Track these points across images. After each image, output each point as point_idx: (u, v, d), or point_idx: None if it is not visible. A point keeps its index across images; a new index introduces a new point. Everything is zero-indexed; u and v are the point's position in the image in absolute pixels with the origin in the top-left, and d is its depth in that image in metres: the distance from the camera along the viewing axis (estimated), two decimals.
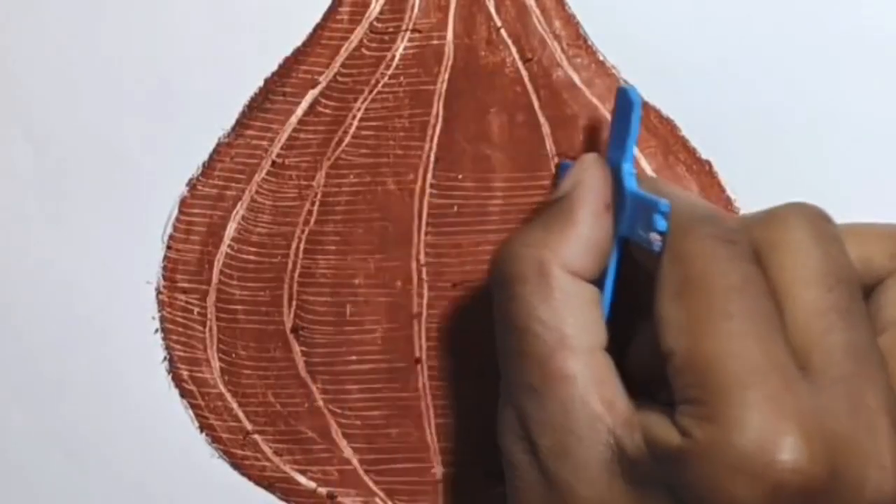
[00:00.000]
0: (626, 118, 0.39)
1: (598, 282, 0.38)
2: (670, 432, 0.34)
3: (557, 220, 0.38)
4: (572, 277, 0.37)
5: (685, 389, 0.34)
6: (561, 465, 0.36)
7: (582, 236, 0.38)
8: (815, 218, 0.37)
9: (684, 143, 0.44)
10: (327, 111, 0.45)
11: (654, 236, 0.36)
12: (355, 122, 0.45)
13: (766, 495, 0.33)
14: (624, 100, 0.39)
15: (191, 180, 0.45)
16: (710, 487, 0.33)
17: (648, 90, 0.44)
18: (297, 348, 0.45)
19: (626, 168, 0.39)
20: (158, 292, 0.45)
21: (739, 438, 0.33)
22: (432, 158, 0.44)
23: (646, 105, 0.44)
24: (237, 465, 0.46)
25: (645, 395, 0.36)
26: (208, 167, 0.45)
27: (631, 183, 0.38)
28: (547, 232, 0.38)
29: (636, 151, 0.43)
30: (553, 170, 0.44)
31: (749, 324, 0.34)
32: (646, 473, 0.35)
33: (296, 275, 0.45)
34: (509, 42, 0.44)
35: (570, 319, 0.37)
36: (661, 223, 0.36)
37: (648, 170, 0.44)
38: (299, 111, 0.45)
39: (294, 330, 0.45)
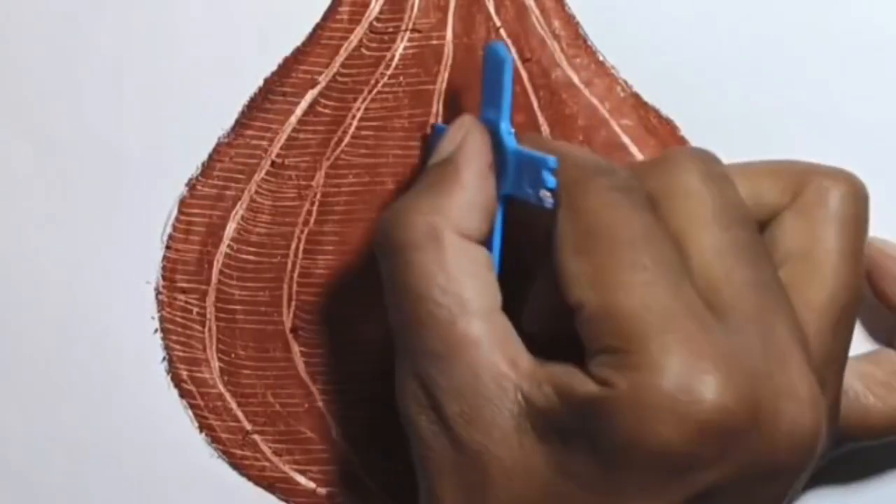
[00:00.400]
0: (497, 76, 0.39)
1: (485, 243, 0.38)
2: (586, 383, 0.35)
3: (444, 184, 0.38)
4: (465, 241, 0.37)
5: (600, 340, 0.35)
6: (472, 429, 0.36)
7: (470, 199, 0.38)
8: (703, 160, 0.37)
9: (684, 144, 0.44)
10: (327, 111, 0.45)
11: (545, 193, 0.37)
12: (355, 122, 0.45)
13: (691, 435, 0.33)
14: (493, 58, 0.39)
15: (190, 180, 0.45)
16: (635, 432, 0.34)
17: (648, 90, 0.44)
18: (296, 348, 0.45)
19: (505, 127, 0.39)
20: (158, 292, 0.45)
21: (662, 382, 0.33)
22: None
23: (645, 105, 0.44)
24: (236, 465, 0.46)
25: (541, 354, 0.37)
26: (208, 167, 0.45)
27: (511, 142, 0.38)
28: (435, 197, 0.38)
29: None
30: None
31: (658, 271, 0.35)
32: (559, 426, 0.35)
33: (295, 275, 0.45)
34: (509, 42, 0.44)
35: (467, 283, 0.37)
36: (551, 180, 0.36)
37: None
38: (299, 111, 0.45)
39: (293, 330, 0.45)
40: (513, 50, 0.44)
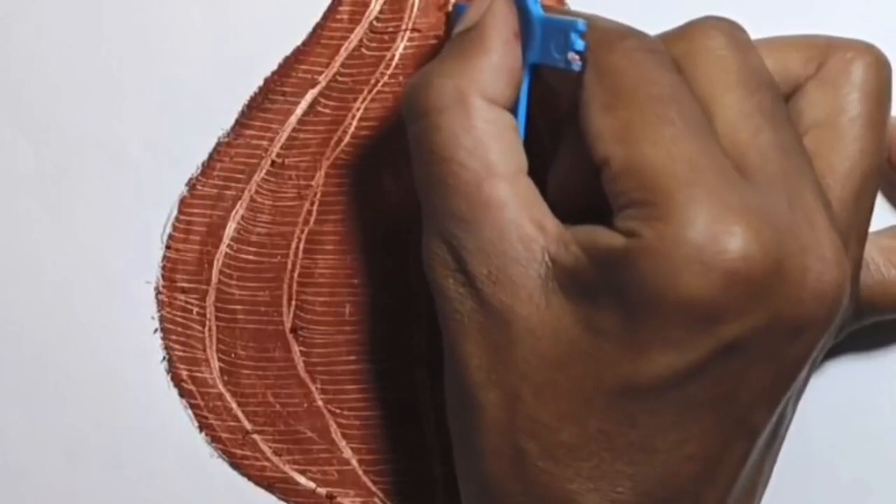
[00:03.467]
0: None
1: (510, 110, 0.38)
2: (613, 237, 0.35)
3: (470, 50, 0.38)
4: (490, 104, 0.37)
5: (626, 194, 0.35)
6: (499, 290, 0.36)
7: (496, 64, 0.38)
8: (729, 27, 0.38)
9: None
10: (327, 111, 0.45)
11: (573, 56, 0.37)
12: (355, 122, 0.45)
13: (718, 284, 0.34)
14: None
15: (190, 180, 0.45)
16: (662, 282, 0.34)
17: None
18: (296, 348, 0.45)
19: None
20: (158, 292, 0.45)
21: (689, 231, 0.34)
22: None
23: None
24: (236, 464, 0.46)
25: (565, 222, 0.37)
26: (208, 167, 0.45)
27: (537, 9, 0.38)
28: (462, 61, 0.38)
29: None
30: None
31: (685, 126, 0.35)
32: (585, 283, 0.35)
33: (295, 275, 0.45)
34: None
35: (493, 146, 0.37)
36: (579, 43, 0.37)
37: None
38: (299, 111, 0.45)
39: (293, 330, 0.45)
40: None
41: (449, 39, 0.40)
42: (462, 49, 0.38)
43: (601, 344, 0.35)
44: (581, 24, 0.37)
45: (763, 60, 0.38)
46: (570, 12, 0.39)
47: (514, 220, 0.36)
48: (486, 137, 0.37)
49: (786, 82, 0.39)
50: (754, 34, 0.39)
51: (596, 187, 0.36)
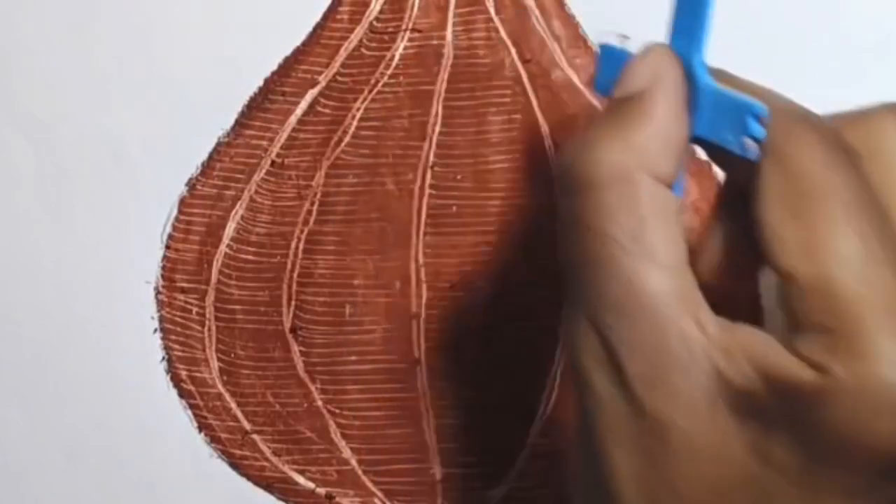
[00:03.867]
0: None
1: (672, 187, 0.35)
2: (799, 368, 0.31)
3: (638, 121, 0.34)
4: (658, 184, 0.34)
5: (810, 316, 0.31)
6: (656, 395, 0.33)
7: (664, 138, 0.34)
8: None
9: None
10: (327, 111, 0.45)
11: (749, 142, 0.33)
12: (355, 122, 0.45)
13: None
14: None
15: (190, 180, 0.45)
16: (852, 428, 0.31)
17: None
18: (295, 348, 0.45)
19: (699, 60, 0.35)
20: (157, 292, 0.45)
21: (887, 372, 0.30)
22: (431, 158, 0.44)
23: None
24: (236, 464, 0.46)
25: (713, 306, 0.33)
26: (208, 167, 0.45)
27: (707, 78, 0.34)
28: (627, 133, 0.34)
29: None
30: (553, 170, 0.44)
31: (881, 245, 0.32)
32: (759, 409, 0.32)
33: (295, 275, 0.45)
34: (508, 42, 0.44)
35: (658, 231, 0.33)
36: (758, 128, 0.33)
37: None
38: (299, 111, 0.45)
39: (293, 330, 0.45)
40: (513, 51, 0.44)
41: (609, 103, 0.36)
42: (627, 119, 0.34)
43: (772, 476, 0.32)
44: (760, 107, 0.33)
45: None
46: (741, 83, 0.35)
47: (675, 316, 0.33)
48: (652, 220, 0.33)
49: None
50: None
51: (753, 281, 0.34)
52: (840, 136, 0.33)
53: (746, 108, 0.33)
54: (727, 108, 0.34)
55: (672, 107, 0.34)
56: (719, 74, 0.35)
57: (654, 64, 0.35)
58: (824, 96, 0.39)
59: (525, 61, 0.44)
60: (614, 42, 0.37)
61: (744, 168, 0.33)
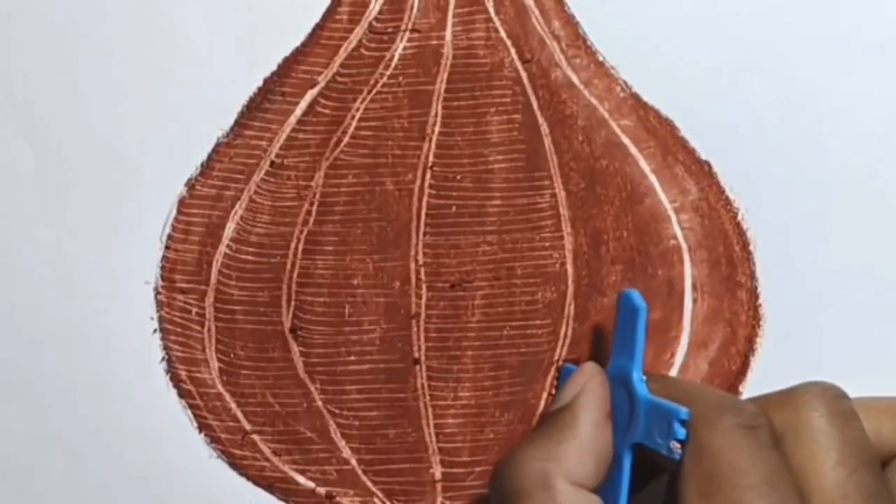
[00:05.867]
0: (631, 325, 0.39)
1: (599, 491, 0.38)
2: None
3: (559, 432, 0.39)
4: (576, 488, 0.38)
5: None
6: None
7: (585, 447, 0.38)
8: (832, 399, 0.37)
9: (684, 144, 0.44)
10: (326, 111, 0.45)
11: (675, 445, 0.37)
12: (354, 123, 0.45)
13: None
14: (628, 305, 0.40)
15: (190, 180, 0.45)
16: None
17: (647, 90, 0.44)
18: (295, 349, 0.45)
19: (637, 376, 0.39)
20: (157, 292, 0.45)
21: None
22: (431, 159, 0.44)
23: (644, 105, 0.44)
24: (236, 464, 0.46)
25: None
26: (207, 167, 0.45)
27: (643, 391, 0.39)
28: (549, 443, 0.38)
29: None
30: (552, 170, 0.44)
31: None
32: None
33: (294, 275, 0.45)
34: (508, 42, 0.44)
35: None
36: (681, 432, 0.37)
37: (647, 170, 0.44)
38: (298, 111, 0.45)
39: (293, 330, 0.45)
40: (512, 51, 0.44)
41: (541, 417, 0.41)
42: (551, 430, 0.39)
43: None
44: (683, 412, 0.37)
45: (864, 432, 0.37)
46: (675, 384, 0.40)
47: None
48: None
49: (882, 448, 0.39)
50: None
51: None
52: (757, 416, 0.36)
53: (672, 413, 0.37)
54: (658, 415, 0.38)
55: (592, 417, 0.39)
56: (656, 380, 0.39)
57: (581, 381, 0.40)
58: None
59: (525, 61, 0.44)
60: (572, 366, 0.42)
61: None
